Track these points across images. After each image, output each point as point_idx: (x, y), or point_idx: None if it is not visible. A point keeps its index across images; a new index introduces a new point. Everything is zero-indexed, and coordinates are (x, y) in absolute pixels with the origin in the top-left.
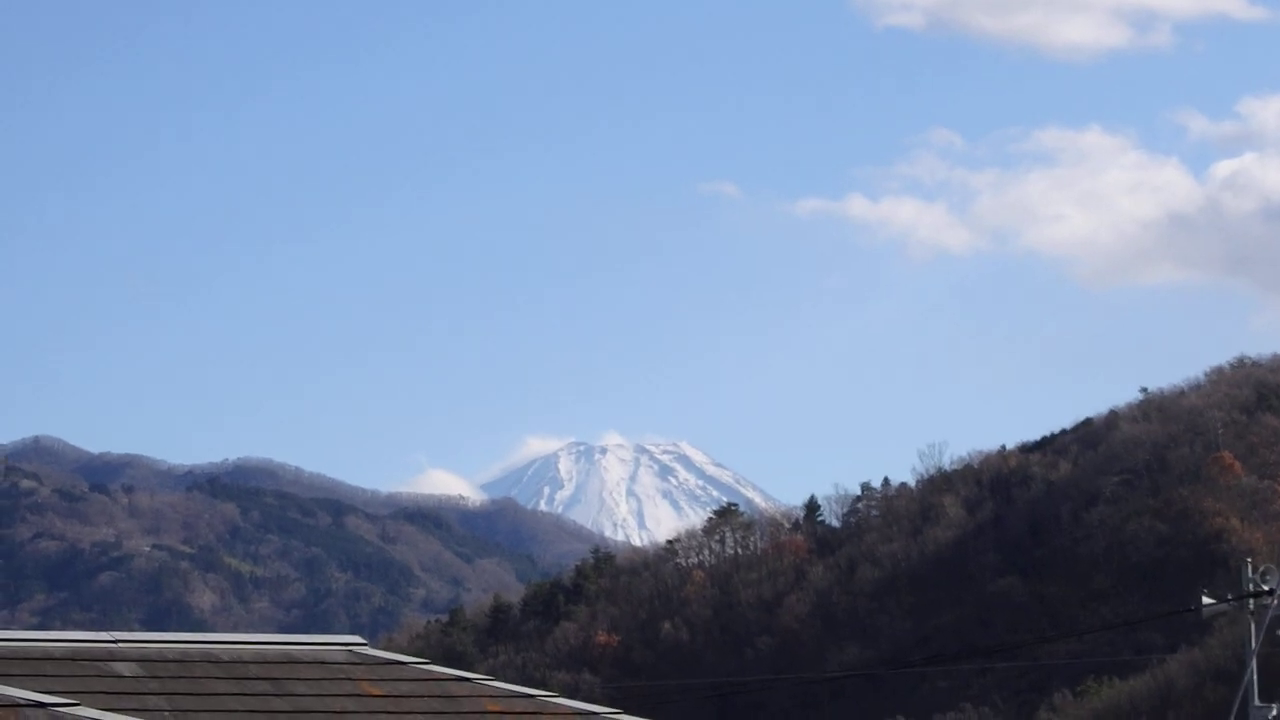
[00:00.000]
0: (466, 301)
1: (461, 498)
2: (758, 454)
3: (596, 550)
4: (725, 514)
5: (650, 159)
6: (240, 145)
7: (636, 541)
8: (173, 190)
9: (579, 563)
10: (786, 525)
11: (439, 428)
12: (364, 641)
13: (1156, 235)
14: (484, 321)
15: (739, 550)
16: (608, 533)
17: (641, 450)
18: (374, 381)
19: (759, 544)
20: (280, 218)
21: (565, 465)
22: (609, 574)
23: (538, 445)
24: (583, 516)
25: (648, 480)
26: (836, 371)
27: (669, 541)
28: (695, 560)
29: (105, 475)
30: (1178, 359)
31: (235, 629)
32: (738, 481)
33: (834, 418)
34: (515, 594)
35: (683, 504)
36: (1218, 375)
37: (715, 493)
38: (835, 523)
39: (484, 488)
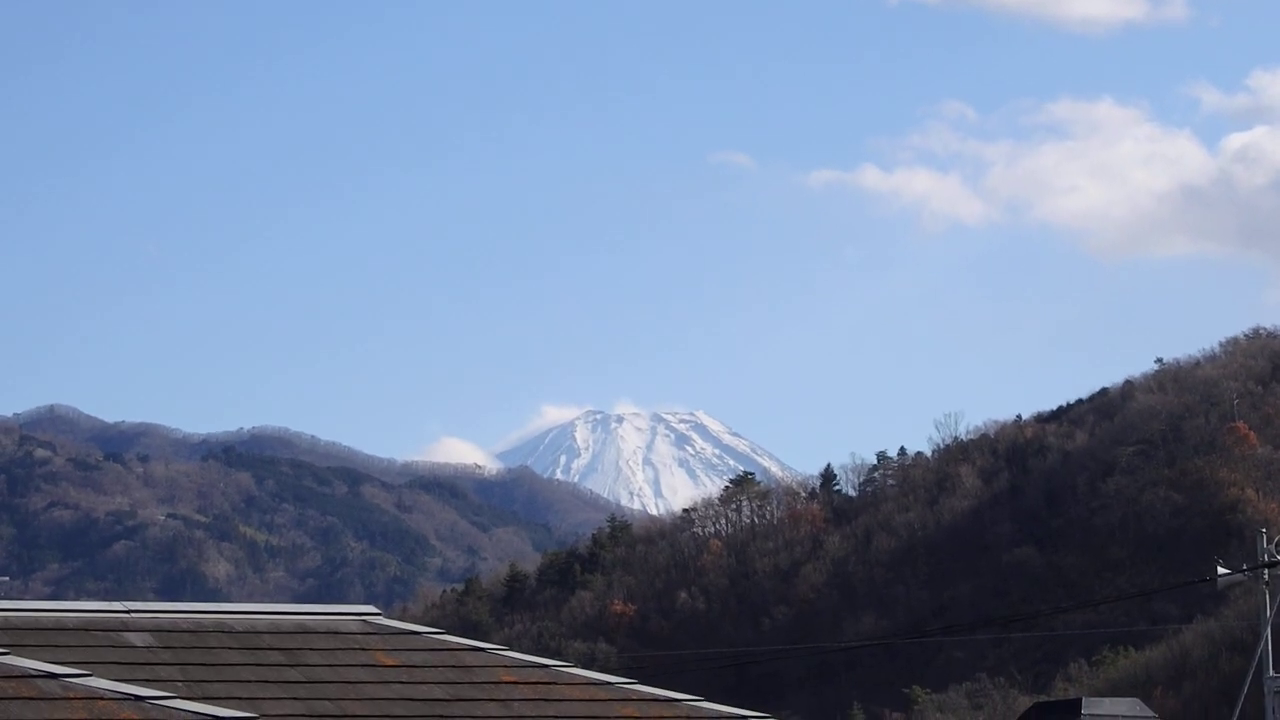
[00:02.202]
0: (481, 270)
1: (477, 467)
2: (774, 423)
3: (612, 519)
4: (741, 483)
5: (661, 128)
6: (256, 113)
7: (653, 510)
8: (187, 158)
9: (595, 532)
10: (803, 495)
11: (455, 396)
12: (378, 611)
13: (1170, 207)
14: (499, 290)
15: (755, 519)
16: (624, 502)
17: (658, 419)
18: (390, 350)
19: (775, 513)
20: (296, 185)
21: (581, 434)
22: (625, 543)
23: (554, 414)
24: (599, 485)
25: (664, 449)
26: (852, 342)
27: (685, 510)
28: (711, 529)
29: (120, 444)
30: (1192, 331)
31: (250, 599)
32: (754, 451)
33: (850, 388)
34: (531, 563)
35: (699, 473)
36: (1233, 346)
37: (732, 462)
38: (851, 492)
39: (500, 457)
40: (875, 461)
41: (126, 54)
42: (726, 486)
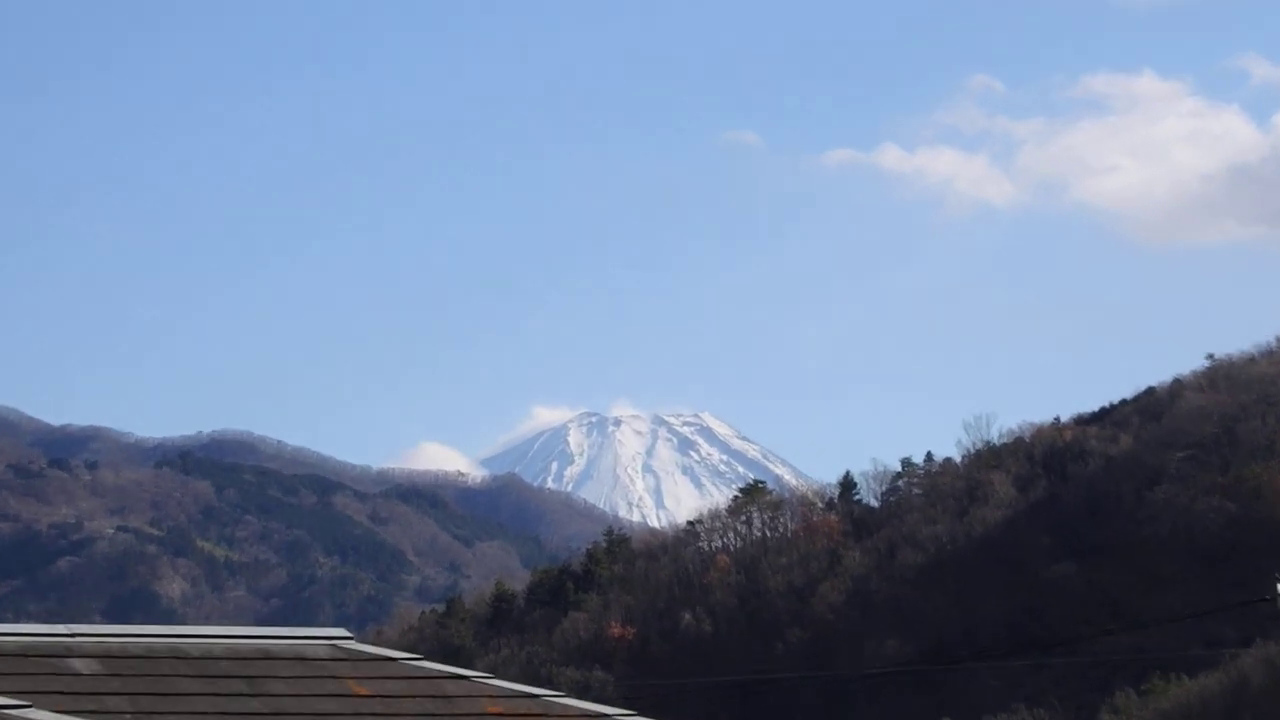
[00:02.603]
0: (466, 262)
1: (460, 474)
2: (787, 427)
3: (610, 532)
4: (752, 492)
5: (668, 106)
6: (226, 107)
7: (654, 522)
8: (136, 147)
9: (590, 546)
10: (819, 505)
11: (435, 398)
12: (350, 635)
13: (1218, 188)
14: (485, 283)
15: (767, 532)
16: (622, 513)
17: (659, 422)
18: (364, 348)
19: (789, 525)
20: (266, 181)
21: (575, 438)
22: (623, 558)
23: (545, 417)
24: (594, 495)
25: (666, 455)
26: (873, 337)
27: (690, 522)
28: (719, 543)
29: (66, 449)
30: (1246, 323)
31: (207, 621)
32: (765, 456)
33: (871, 387)
34: (519, 581)
35: (705, 481)
36: None
37: (741, 469)
38: (873, 502)
39: (485, 463)
40: (899, 468)
41: (98, 74)
42: (735, 496)
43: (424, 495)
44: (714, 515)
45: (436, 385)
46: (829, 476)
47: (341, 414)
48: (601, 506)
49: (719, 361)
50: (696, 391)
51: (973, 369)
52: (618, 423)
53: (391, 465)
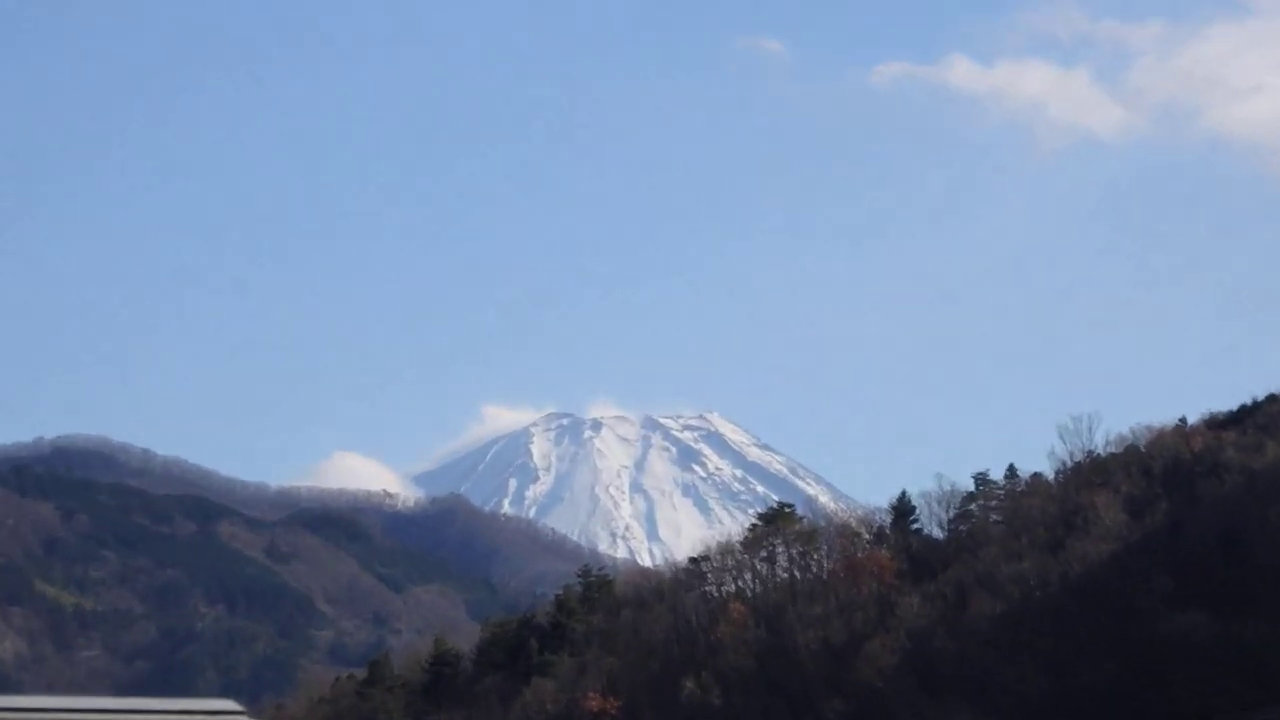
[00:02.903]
0: (401, 210)
1: (387, 495)
2: (822, 432)
3: (587, 571)
4: (776, 518)
5: (671, 6)
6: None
7: (645, 559)
8: None
9: (560, 591)
10: (865, 536)
11: (355, 395)
12: (242, 709)
13: None
14: (419, 244)
15: (796, 573)
16: (603, 546)
17: (653, 426)
18: (258, 329)
19: (825, 563)
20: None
21: (541, 448)
22: (605, 607)
23: (500, 419)
24: (566, 522)
25: (662, 469)
26: (933, 316)
27: (694, 559)
28: (732, 587)
29: None
30: None
31: (50, 689)
32: (793, 471)
33: (932, 382)
34: (465, 637)
35: (713, 503)
36: None
37: (761, 487)
38: (937, 532)
39: (420, 480)
40: (971, 487)
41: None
42: (753, 524)
43: (339, 523)
44: (725, 549)
45: (357, 379)
46: (878, 498)
47: (230, 416)
48: (575, 538)
49: (732, 348)
50: (701, 386)
51: (1069, 357)
52: (597, 426)
53: (296, 483)
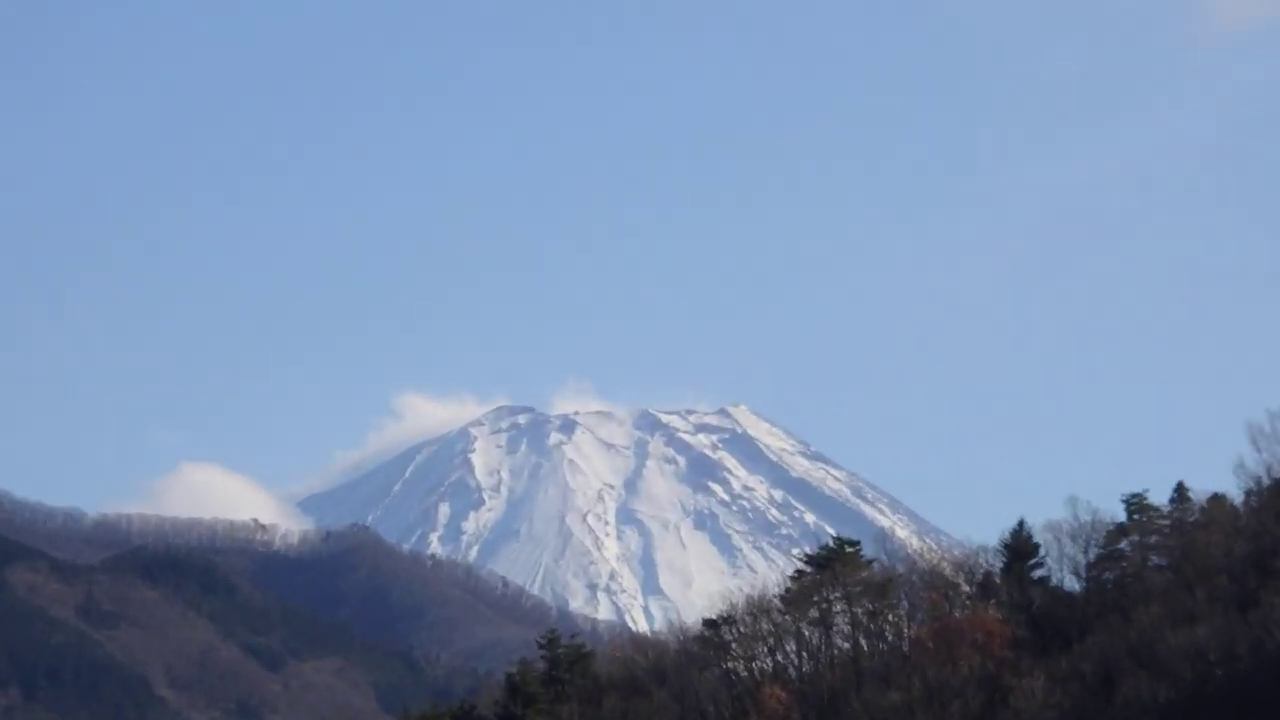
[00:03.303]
0: (277, 155)
1: (259, 527)
2: (899, 436)
3: (554, 640)
4: (833, 562)
5: None
6: None
7: (640, 622)
8: None
9: (514, 668)
10: (966, 588)
11: (208, 386)
12: None
13: None
14: (309, 183)
15: (863, 642)
16: (577, 603)
17: (651, 426)
18: (69, 298)
19: (906, 628)
20: None
21: (486, 458)
22: (581, 692)
23: (425, 416)
24: (523, 567)
25: (664, 489)
26: (1052, 269)
27: (711, 622)
28: (768, 664)
29: None
30: None
31: None
32: (858, 493)
33: (1057, 364)
34: None
35: (739, 539)
36: None
37: (810, 516)
38: (1071, 582)
39: (307, 506)
40: (1122, 516)
41: None
42: (799, 572)
43: (188, 568)
44: (758, 608)
45: (212, 366)
46: (983, 533)
47: (23, 415)
48: (536, 590)
49: (763, 317)
50: (721, 370)
51: (1262, 330)
52: (569, 427)
53: (125, 509)
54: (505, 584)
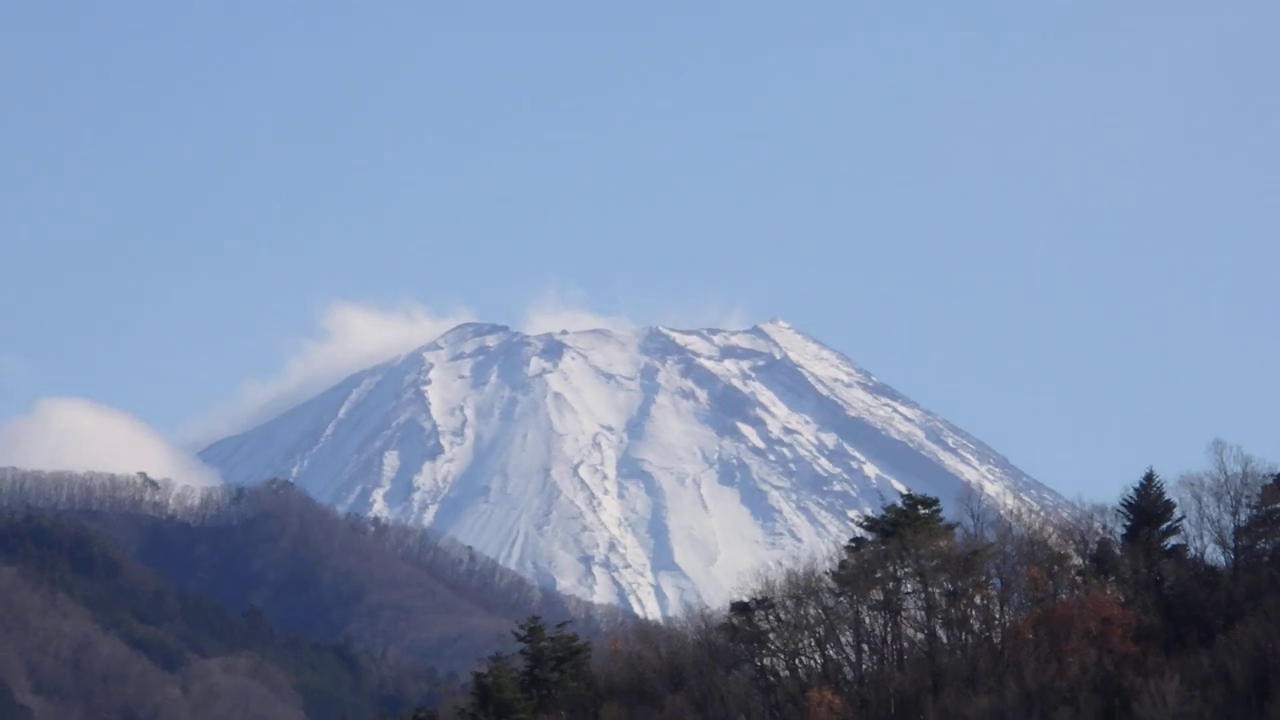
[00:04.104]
0: None
1: (147, 483)
2: (987, 364)
3: (536, 630)
4: (901, 527)
5: None
6: None
7: (649, 606)
8: None
9: (485, 666)
10: (1076, 560)
11: (66, 295)
12: None
13: None
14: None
15: (940, 632)
16: (567, 581)
17: (662, 349)
18: None
19: (999, 613)
20: None
21: (445, 391)
22: (572, 697)
23: (364, 335)
24: (494, 535)
25: (679, 431)
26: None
27: (741, 606)
28: (816, 660)
29: None
30: None
31: None
32: (935, 435)
33: (1201, 262)
34: None
35: (777, 497)
36: None
37: (871, 467)
38: (1215, 554)
39: (210, 455)
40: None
41: None
42: (857, 540)
43: (54, 537)
44: (803, 586)
45: (69, 271)
46: (1098, 489)
47: None
48: (513, 565)
49: (808, 205)
50: (753, 275)
51: None
52: (554, 350)
53: None
54: (472, 557)
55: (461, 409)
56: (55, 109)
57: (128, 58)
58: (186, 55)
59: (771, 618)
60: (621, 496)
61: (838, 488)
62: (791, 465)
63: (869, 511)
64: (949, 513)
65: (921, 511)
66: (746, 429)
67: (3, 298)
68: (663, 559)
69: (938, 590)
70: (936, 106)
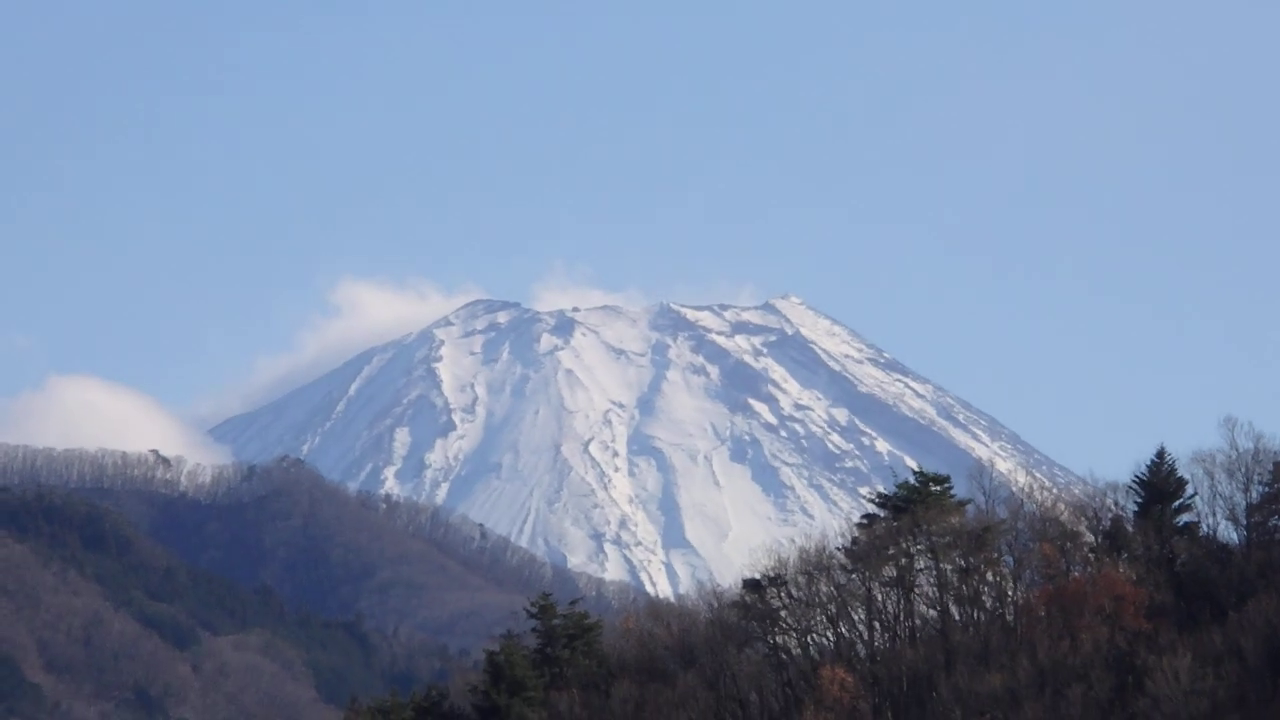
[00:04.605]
0: None
1: (159, 461)
2: (1000, 339)
3: (547, 607)
4: (914, 504)
5: None
6: None
7: (660, 583)
8: None
9: (497, 643)
10: (1087, 537)
11: (77, 272)
12: None
13: None
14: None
15: (953, 609)
16: (578, 558)
17: (673, 325)
18: None
19: (1011, 590)
20: None
21: (457, 368)
22: (583, 675)
23: (374, 311)
24: (504, 512)
25: (690, 408)
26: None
27: (753, 583)
28: (828, 638)
29: None
30: None
31: None
32: (947, 412)
33: (1214, 232)
34: None
35: (790, 474)
36: None
37: (883, 443)
38: (1227, 531)
39: (221, 433)
40: None
41: None
42: (869, 517)
43: (65, 514)
44: (814, 563)
45: (78, 247)
46: (1109, 466)
47: None
48: (524, 542)
49: (822, 188)
50: (766, 251)
51: None
52: (565, 327)
53: None
54: (483, 535)
55: (473, 386)
56: (59, 83)
57: (139, 25)
58: (196, 26)
59: (783, 595)
60: (633, 473)
61: (849, 464)
62: (803, 441)
63: (881, 488)
64: (961, 489)
65: (933, 488)
66: (758, 405)
67: (12, 274)
68: (674, 536)
69: (950, 567)
70: (948, 81)
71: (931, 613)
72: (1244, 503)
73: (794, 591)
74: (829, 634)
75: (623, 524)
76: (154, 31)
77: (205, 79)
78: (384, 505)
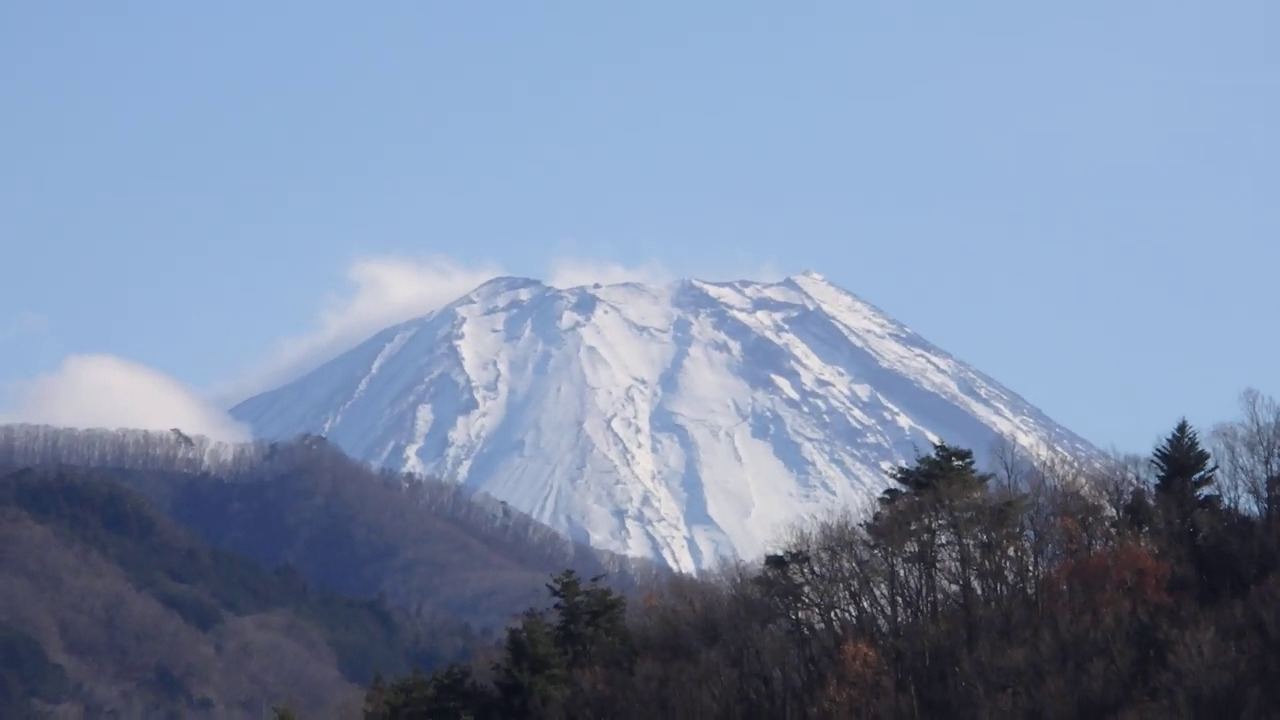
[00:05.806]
0: None
1: (181, 440)
2: (1020, 315)
3: (571, 584)
4: (935, 479)
5: None
6: None
7: (683, 560)
8: None
9: (520, 621)
10: (1108, 511)
11: (93, 249)
12: None
13: None
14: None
15: (976, 584)
16: (601, 535)
17: (695, 302)
18: None
19: (1033, 565)
20: None
21: (478, 345)
22: (606, 652)
23: (393, 289)
24: (527, 490)
25: (712, 384)
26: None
27: (775, 559)
28: (851, 613)
29: None
30: None
31: None
32: (969, 387)
33: (1234, 207)
34: (337, 712)
35: (812, 450)
36: None
37: (905, 418)
38: (1249, 504)
39: (242, 412)
40: None
41: None
42: (891, 492)
43: (87, 495)
44: (836, 539)
45: (96, 224)
46: (1132, 440)
47: None
48: (547, 520)
49: (842, 164)
50: (787, 227)
51: None
52: (586, 304)
53: None
54: (506, 512)
55: (495, 363)
56: (74, 65)
57: (155, 7)
58: (216, 7)
59: (806, 571)
60: (655, 450)
61: (871, 439)
62: (825, 417)
63: (903, 463)
64: (982, 464)
65: (955, 463)
66: (780, 381)
67: (29, 255)
68: (696, 512)
69: (972, 542)
70: (971, 57)
71: (954, 587)
72: (1265, 476)
73: (816, 567)
74: (851, 609)
75: (645, 500)
76: (166, 4)
77: (224, 54)
78: (406, 484)
